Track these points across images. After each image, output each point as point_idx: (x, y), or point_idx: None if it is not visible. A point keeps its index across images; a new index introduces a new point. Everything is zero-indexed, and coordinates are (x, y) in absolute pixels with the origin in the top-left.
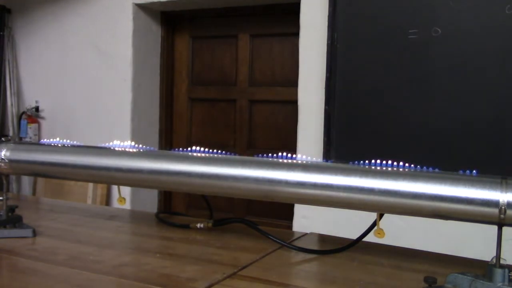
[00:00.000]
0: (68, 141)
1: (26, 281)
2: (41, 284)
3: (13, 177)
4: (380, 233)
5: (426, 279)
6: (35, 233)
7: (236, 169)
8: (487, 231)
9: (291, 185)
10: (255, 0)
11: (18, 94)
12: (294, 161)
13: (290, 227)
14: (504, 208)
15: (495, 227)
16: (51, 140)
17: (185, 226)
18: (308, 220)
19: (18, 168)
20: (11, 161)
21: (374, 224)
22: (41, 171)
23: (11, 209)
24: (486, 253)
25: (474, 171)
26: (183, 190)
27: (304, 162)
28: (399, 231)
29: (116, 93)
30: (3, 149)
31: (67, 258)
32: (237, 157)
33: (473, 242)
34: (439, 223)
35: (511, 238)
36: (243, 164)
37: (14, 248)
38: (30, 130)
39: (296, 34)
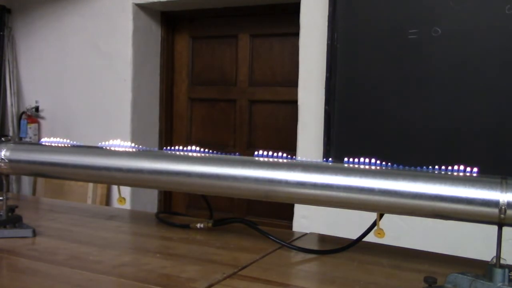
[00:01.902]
0: (68, 140)
1: (26, 281)
2: (41, 284)
3: (13, 177)
4: (380, 233)
5: (426, 279)
6: (35, 233)
7: (236, 169)
8: (487, 231)
9: (291, 185)
10: (255, 0)
11: (18, 94)
12: (294, 161)
13: (290, 227)
14: (504, 208)
15: (495, 227)
16: (51, 139)
17: (185, 226)
18: (308, 220)
19: (18, 168)
20: (11, 161)
21: (374, 224)
22: (41, 171)
23: (11, 209)
24: (486, 253)
25: (475, 169)
26: (183, 190)
27: (304, 162)
28: (399, 231)
29: (116, 93)
30: (3, 149)
31: (67, 258)
32: (237, 157)
33: (473, 242)
34: (439, 223)
35: (511, 238)
36: (243, 164)
37: (14, 248)
38: (30, 130)
39: (296, 34)
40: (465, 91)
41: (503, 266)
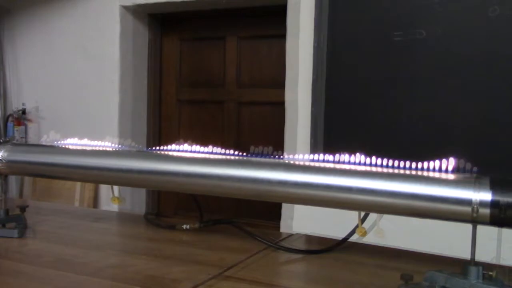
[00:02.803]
0: (72, 141)
1: (11, 283)
2: (26, 286)
3: None
4: (362, 231)
5: (402, 276)
6: (20, 234)
7: (232, 169)
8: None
9: (273, 184)
10: (243, 2)
11: (5, 97)
12: (279, 160)
13: (278, 228)
14: (477, 207)
15: (483, 227)
16: (51, 135)
17: (172, 227)
18: (295, 221)
19: (16, 168)
20: (9, 161)
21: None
22: (38, 172)
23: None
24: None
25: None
26: (174, 189)
27: (287, 161)
28: (386, 232)
29: (103, 95)
30: (1, 150)
31: (53, 260)
32: (232, 158)
33: (462, 241)
34: (426, 223)
35: (495, 237)
36: (242, 164)
37: None
38: (17, 133)
39: (284, 36)
40: (449, 92)
41: (477, 264)
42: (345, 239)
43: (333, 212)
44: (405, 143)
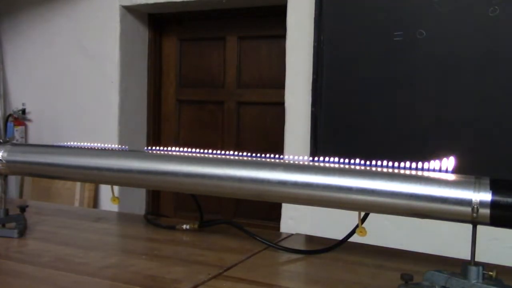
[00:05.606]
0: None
1: (11, 283)
2: (26, 286)
3: None
4: (362, 231)
5: (402, 276)
6: (20, 234)
7: (232, 169)
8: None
9: (273, 184)
10: (242, 2)
11: (5, 97)
12: (279, 160)
13: (278, 228)
14: (477, 208)
15: (483, 227)
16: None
17: (172, 227)
18: (295, 221)
19: (16, 168)
20: (9, 161)
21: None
22: (37, 172)
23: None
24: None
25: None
26: (181, 190)
27: (287, 161)
28: (386, 232)
29: (103, 95)
30: (1, 150)
31: (53, 260)
32: (232, 158)
33: (462, 241)
34: (426, 223)
35: (495, 238)
36: (242, 164)
37: None
38: (17, 133)
39: (284, 36)
40: (449, 92)
41: (477, 264)
42: (345, 239)
43: (333, 212)
44: (405, 143)
